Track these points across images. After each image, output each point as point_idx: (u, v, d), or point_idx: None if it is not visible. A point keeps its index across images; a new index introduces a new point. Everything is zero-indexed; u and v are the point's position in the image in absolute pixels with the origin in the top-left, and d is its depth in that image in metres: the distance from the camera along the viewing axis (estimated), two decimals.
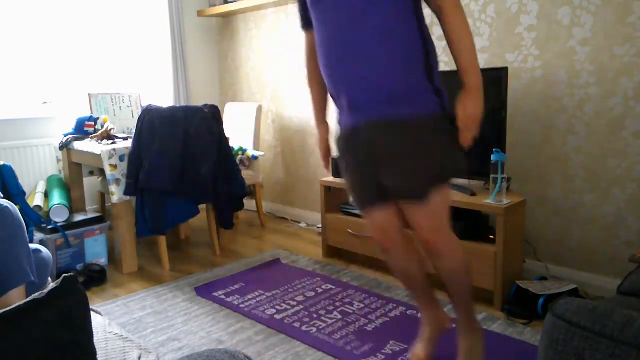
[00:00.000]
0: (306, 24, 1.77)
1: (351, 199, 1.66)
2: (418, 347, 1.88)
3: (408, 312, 2.36)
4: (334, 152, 1.85)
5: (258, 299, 2.56)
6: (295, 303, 2.51)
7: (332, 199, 3.13)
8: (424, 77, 1.52)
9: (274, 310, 2.43)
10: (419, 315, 1.87)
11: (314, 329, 2.24)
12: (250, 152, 3.67)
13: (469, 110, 1.50)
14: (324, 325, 2.28)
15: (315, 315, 2.37)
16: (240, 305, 2.49)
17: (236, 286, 2.72)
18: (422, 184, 1.54)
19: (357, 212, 2.96)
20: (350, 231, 2.95)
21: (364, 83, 1.51)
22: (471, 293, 1.72)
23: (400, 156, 1.54)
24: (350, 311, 2.40)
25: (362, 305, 2.45)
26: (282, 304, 2.50)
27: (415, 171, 1.54)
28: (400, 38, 1.48)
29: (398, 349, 2.06)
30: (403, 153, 1.53)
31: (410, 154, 1.53)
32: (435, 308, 1.86)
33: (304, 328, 2.25)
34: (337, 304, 2.49)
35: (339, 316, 2.36)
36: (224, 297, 2.59)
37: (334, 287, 2.67)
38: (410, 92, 1.51)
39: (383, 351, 2.04)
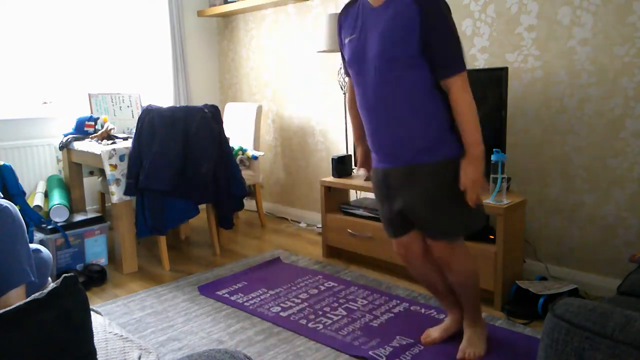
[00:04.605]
0: (347, 71, 1.99)
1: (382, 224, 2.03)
2: (434, 329, 2.13)
3: (412, 308, 2.38)
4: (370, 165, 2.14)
5: (262, 297, 2.57)
6: (299, 300, 2.52)
7: (332, 199, 3.13)
8: (447, 128, 1.78)
9: (279, 308, 2.44)
10: (443, 311, 2.24)
11: (320, 326, 2.25)
12: (250, 152, 3.67)
13: (470, 175, 1.74)
14: (330, 321, 2.29)
15: (320, 312, 2.38)
16: (245, 304, 2.49)
17: (239, 285, 2.73)
18: (441, 228, 1.83)
19: (357, 212, 2.96)
20: (350, 231, 2.95)
21: (393, 140, 1.81)
22: (478, 296, 1.98)
23: (424, 199, 1.81)
24: (355, 308, 2.41)
25: (365, 302, 2.47)
26: (287, 302, 2.51)
27: (436, 215, 1.82)
28: (418, 103, 1.75)
29: (405, 343, 2.08)
30: (425, 197, 1.80)
31: (431, 199, 1.80)
32: (458, 308, 2.09)
33: (310, 325, 2.26)
34: (341, 300, 2.50)
35: (344, 313, 2.37)
36: (228, 295, 2.60)
37: (336, 285, 2.68)
38: (433, 143, 1.78)
39: (390, 345, 2.07)
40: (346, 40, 1.86)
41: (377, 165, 1.92)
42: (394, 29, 1.70)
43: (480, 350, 1.96)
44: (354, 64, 1.83)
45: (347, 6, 1.90)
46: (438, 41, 1.70)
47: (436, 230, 1.84)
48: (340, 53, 2.00)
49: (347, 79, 2.07)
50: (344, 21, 1.89)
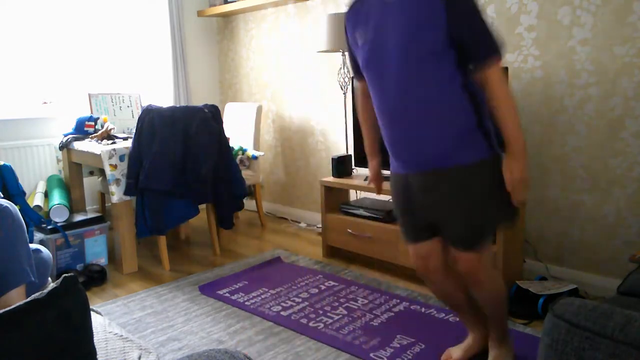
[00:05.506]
0: (358, 76, 1.85)
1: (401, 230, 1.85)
2: (455, 349, 1.97)
3: (412, 307, 2.39)
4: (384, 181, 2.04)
5: (263, 297, 2.57)
6: (300, 300, 2.52)
7: (332, 199, 3.13)
8: (474, 127, 1.64)
9: (280, 307, 2.44)
10: (464, 325, 2.00)
11: (321, 325, 2.26)
12: (250, 152, 3.67)
13: (515, 174, 1.60)
14: (330, 321, 2.29)
15: (321, 312, 2.38)
16: (246, 303, 2.50)
17: (239, 284, 2.73)
18: (471, 236, 1.67)
19: (357, 212, 2.96)
20: (350, 231, 2.95)
21: (415, 146, 1.64)
22: (506, 316, 1.83)
23: (453, 206, 1.66)
24: (355, 307, 2.41)
25: (366, 301, 2.47)
26: (287, 301, 2.51)
27: (466, 223, 1.66)
28: (447, 102, 1.60)
29: (406, 342, 2.09)
30: (455, 203, 1.65)
31: (461, 205, 1.65)
32: (481, 326, 1.93)
33: (311, 324, 2.27)
34: (342, 300, 2.50)
35: (345, 312, 2.37)
36: (229, 295, 2.60)
37: (336, 284, 2.68)
38: (460, 144, 1.63)
39: (391, 345, 2.07)
40: (359, 42, 1.68)
41: (397, 170, 1.75)
42: (417, 16, 1.54)
43: None
44: (371, 65, 1.65)
45: (353, 5, 1.72)
46: (469, 27, 1.53)
47: (466, 240, 1.67)
48: (349, 57, 1.84)
49: (358, 85, 1.89)
50: (352, 21, 1.71)
